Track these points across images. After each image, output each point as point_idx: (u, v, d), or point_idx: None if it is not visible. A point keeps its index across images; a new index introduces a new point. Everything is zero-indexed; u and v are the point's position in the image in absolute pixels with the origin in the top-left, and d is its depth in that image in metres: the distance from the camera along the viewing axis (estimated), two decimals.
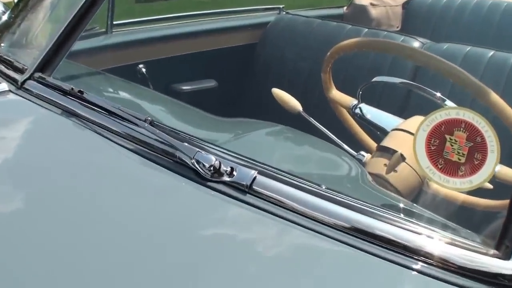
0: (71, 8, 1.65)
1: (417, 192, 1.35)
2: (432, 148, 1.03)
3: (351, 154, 1.44)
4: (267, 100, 2.47)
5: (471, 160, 1.00)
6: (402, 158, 1.31)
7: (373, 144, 1.59)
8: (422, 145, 1.04)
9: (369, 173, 1.29)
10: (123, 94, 1.71)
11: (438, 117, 1.03)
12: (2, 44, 2.02)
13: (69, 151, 1.29)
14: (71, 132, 1.35)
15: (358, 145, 1.61)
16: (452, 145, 1.02)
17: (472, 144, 1.01)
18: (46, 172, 1.21)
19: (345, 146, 1.50)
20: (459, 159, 1.01)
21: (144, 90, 1.74)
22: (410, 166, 1.32)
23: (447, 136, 1.02)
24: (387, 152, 1.37)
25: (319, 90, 2.35)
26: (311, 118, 1.63)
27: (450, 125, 1.02)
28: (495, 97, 1.35)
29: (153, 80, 2.50)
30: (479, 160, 1.00)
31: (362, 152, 1.46)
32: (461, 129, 1.02)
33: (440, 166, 1.02)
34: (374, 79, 1.62)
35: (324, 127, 1.61)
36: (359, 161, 1.42)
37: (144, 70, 2.50)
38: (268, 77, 2.67)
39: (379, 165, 1.36)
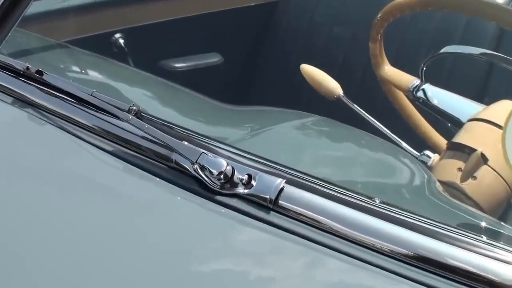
0: None
1: (505, 207, 1.36)
2: None
3: (411, 155, 1.46)
4: (291, 80, 2.48)
5: None
6: (484, 159, 1.34)
7: (442, 141, 1.61)
8: None
9: (438, 181, 1.30)
10: (96, 75, 1.74)
11: None
12: None
13: (25, 155, 1.30)
14: (27, 128, 1.37)
15: (421, 142, 1.63)
16: None
17: None
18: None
19: (403, 144, 1.52)
20: None
21: (124, 69, 1.75)
22: (495, 170, 1.34)
23: None
24: (463, 151, 1.39)
25: (364, 66, 2.37)
26: (355, 105, 1.64)
27: None
28: None
29: (135, 55, 2.54)
30: None
31: (427, 152, 1.48)
32: None
33: None
34: (443, 49, 1.63)
35: (373, 116, 1.63)
36: (424, 163, 1.44)
37: (121, 41, 2.54)
38: (292, 48, 2.69)
39: (451, 169, 1.38)
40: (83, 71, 1.76)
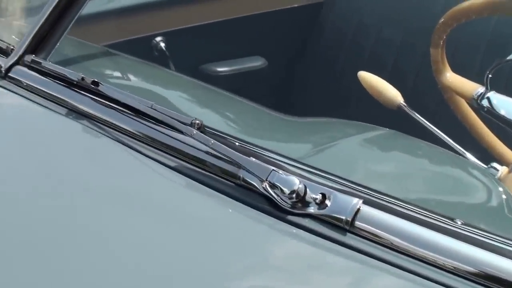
0: None
1: None
2: None
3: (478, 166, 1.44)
4: (338, 83, 2.47)
5: None
6: None
7: (509, 152, 1.59)
8: None
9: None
10: (151, 85, 1.73)
11: None
12: None
13: (80, 168, 1.30)
14: (82, 141, 1.38)
15: (486, 153, 1.61)
16: None
17: None
18: (48, 202, 1.22)
19: (468, 155, 1.49)
20: None
21: (181, 79, 1.76)
22: None
23: None
24: None
25: (416, 70, 2.36)
26: (416, 114, 1.62)
27: None
28: None
29: (176, 59, 2.54)
30: None
31: (495, 164, 1.44)
32: None
33: None
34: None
35: (432, 124, 1.61)
36: (492, 176, 1.41)
37: (163, 44, 2.54)
38: (338, 51, 2.67)
39: None
40: (137, 81, 1.76)
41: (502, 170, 1.42)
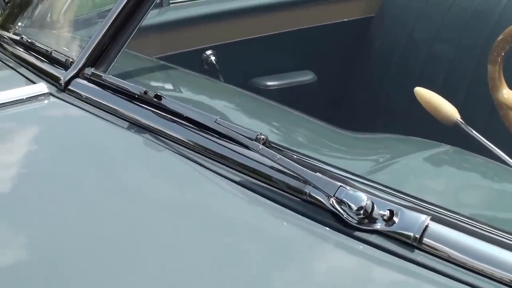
0: None
1: None
2: None
3: None
4: (388, 99, 2.46)
5: None
6: None
7: None
8: None
9: None
10: (213, 97, 1.73)
11: None
12: (25, 29, 2.11)
13: (143, 182, 1.32)
14: (144, 154, 1.39)
15: None
16: None
17: None
18: (109, 214, 1.23)
19: None
20: None
21: (243, 94, 1.77)
22: None
23: None
24: None
25: (466, 87, 2.35)
26: (474, 132, 1.61)
27: None
28: None
29: (226, 72, 2.55)
30: None
31: None
32: None
33: None
34: None
35: (492, 139, 1.59)
36: None
37: (213, 58, 2.56)
38: (388, 66, 2.67)
39: None
40: (196, 94, 1.78)
41: None
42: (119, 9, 1.62)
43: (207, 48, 2.56)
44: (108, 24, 1.62)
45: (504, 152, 1.54)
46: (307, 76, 2.71)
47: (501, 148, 1.57)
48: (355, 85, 2.76)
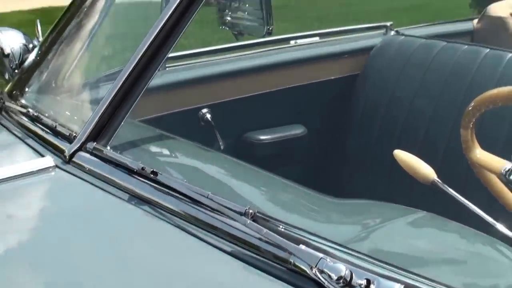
0: (130, 49, 1.74)
1: None
2: None
3: (507, 236, 1.46)
4: (374, 152, 2.50)
5: None
6: None
7: None
8: None
9: None
10: (210, 170, 1.76)
11: None
12: (30, 94, 2.14)
13: (140, 251, 1.33)
14: (142, 225, 1.41)
15: None
16: None
17: None
18: (115, 281, 1.26)
19: (500, 227, 1.51)
20: None
21: (234, 163, 1.79)
22: None
23: None
24: None
25: (446, 141, 2.38)
26: (450, 189, 1.64)
27: None
28: None
29: (221, 129, 2.60)
30: None
31: None
32: None
33: None
34: None
35: (464, 195, 1.60)
36: None
37: (209, 115, 2.60)
38: (373, 121, 2.71)
39: None
40: (191, 164, 1.81)
41: None
42: (118, 87, 1.65)
43: (203, 107, 2.60)
44: (109, 100, 1.64)
45: (479, 205, 1.58)
46: (298, 130, 2.76)
47: (477, 201, 1.60)
48: (343, 138, 2.80)
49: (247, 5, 2.03)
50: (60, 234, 1.44)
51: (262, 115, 2.75)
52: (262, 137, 2.70)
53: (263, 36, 2.35)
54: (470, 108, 1.69)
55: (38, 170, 1.60)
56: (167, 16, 1.68)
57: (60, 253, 1.37)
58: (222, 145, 2.57)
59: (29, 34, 2.43)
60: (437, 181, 1.65)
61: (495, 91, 1.67)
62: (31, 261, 1.36)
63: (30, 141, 1.77)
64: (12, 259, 1.38)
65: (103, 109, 1.64)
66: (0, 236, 1.44)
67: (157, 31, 1.68)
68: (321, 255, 1.14)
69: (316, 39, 3.09)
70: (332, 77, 2.86)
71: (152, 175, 1.43)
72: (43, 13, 10.86)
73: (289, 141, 2.73)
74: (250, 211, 1.24)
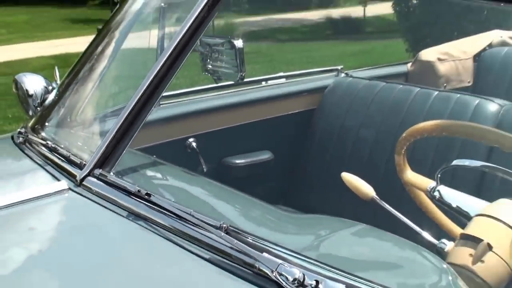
0: (133, 90, 1.73)
1: (508, 284, 1.38)
2: None
3: (431, 243, 1.48)
4: (328, 173, 2.51)
5: None
6: (489, 247, 1.35)
7: (455, 229, 1.62)
8: None
9: (453, 264, 1.33)
10: (194, 190, 1.78)
11: None
12: (49, 128, 2.14)
13: (136, 260, 1.35)
14: (138, 238, 1.42)
15: (440, 231, 1.64)
16: None
17: None
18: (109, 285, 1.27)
19: (425, 235, 1.54)
20: None
21: (212, 185, 1.80)
22: (499, 255, 1.35)
23: None
24: (472, 240, 1.39)
25: (386, 162, 2.41)
26: (386, 205, 1.67)
27: None
28: None
29: (204, 155, 2.62)
30: None
31: (444, 240, 1.48)
32: None
33: None
34: (454, 162, 1.66)
35: (398, 209, 1.65)
36: (442, 249, 1.45)
37: (194, 144, 2.61)
38: (327, 147, 2.73)
39: (464, 255, 1.38)
40: (180, 187, 1.81)
41: (449, 245, 1.45)
42: (120, 122, 1.65)
43: (189, 137, 2.61)
44: (112, 135, 1.65)
45: (409, 217, 1.60)
46: (266, 155, 2.78)
47: (408, 213, 1.62)
48: (303, 162, 2.81)
49: (224, 56, 2.04)
50: (72, 242, 1.45)
51: (238, 143, 2.76)
52: (238, 161, 2.72)
53: (237, 82, 2.36)
54: (402, 138, 1.72)
55: (55, 192, 1.60)
56: (161, 63, 1.69)
57: (72, 257, 1.39)
58: (205, 168, 2.58)
59: (49, 76, 2.44)
60: (376, 198, 1.68)
61: (421, 124, 1.70)
62: (49, 263, 1.38)
63: (48, 167, 1.76)
64: (33, 263, 1.39)
65: (107, 142, 1.64)
66: (24, 244, 1.45)
67: (153, 74, 1.68)
68: (280, 261, 1.17)
69: (283, 80, 3.10)
70: (294, 111, 2.88)
71: (146, 196, 1.44)
72: (61, 59, 10.84)
73: (259, 164, 2.74)
74: (224, 225, 1.27)
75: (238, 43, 2.00)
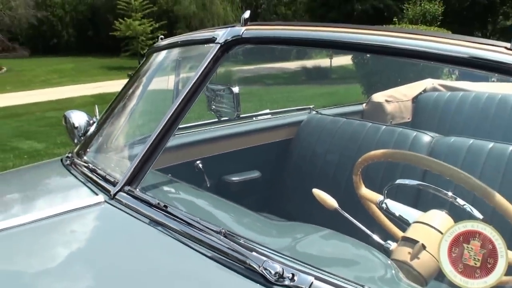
0: (155, 122, 1.74)
1: (437, 274, 1.39)
2: (453, 255, 1.10)
3: (380, 244, 1.49)
4: (303, 188, 2.51)
5: (485, 264, 1.07)
6: (423, 247, 1.36)
7: (398, 232, 1.62)
8: (445, 253, 1.11)
9: (396, 260, 1.34)
10: (200, 202, 1.77)
11: (457, 229, 1.11)
12: (90, 153, 2.14)
13: (154, 257, 1.35)
14: (157, 240, 1.41)
15: (387, 234, 1.65)
16: (469, 252, 1.09)
17: (485, 251, 1.08)
18: (135, 277, 1.26)
19: (375, 237, 1.54)
20: (475, 264, 1.08)
21: (213, 198, 1.80)
22: (430, 253, 1.36)
23: (465, 245, 1.10)
24: (410, 242, 1.40)
25: (347, 180, 2.40)
26: (346, 214, 1.66)
27: (467, 236, 1.10)
28: (499, 198, 1.39)
29: (208, 173, 2.60)
30: (491, 264, 1.07)
31: (389, 241, 1.48)
32: (476, 238, 1.09)
33: (460, 270, 1.09)
34: (398, 181, 1.67)
35: (356, 217, 1.64)
36: (387, 249, 1.45)
37: (200, 165, 2.60)
38: (302, 168, 2.72)
39: (404, 253, 1.39)
40: (192, 201, 1.79)
41: (393, 245, 1.45)
42: (145, 149, 1.65)
43: (197, 160, 2.60)
44: (139, 159, 1.65)
45: (364, 223, 1.60)
46: (255, 174, 2.76)
47: (363, 220, 1.62)
48: (284, 180, 2.80)
49: (224, 99, 2.06)
50: (105, 243, 1.47)
51: (234, 164, 2.74)
52: (234, 179, 2.70)
53: (234, 119, 2.37)
54: (358, 162, 1.73)
55: (94, 204, 1.60)
56: (177, 103, 1.70)
57: (105, 254, 1.39)
58: (208, 184, 2.58)
59: (89, 111, 2.45)
60: (338, 208, 1.67)
61: (372, 152, 1.71)
62: (86, 259, 1.38)
63: (89, 184, 1.76)
64: (73, 259, 1.39)
65: (135, 164, 1.64)
66: (67, 244, 1.45)
67: (171, 112, 1.69)
68: (265, 258, 1.19)
69: (268, 116, 3.11)
70: (277, 140, 2.88)
71: (164, 207, 1.45)
72: (99, 97, 10.87)
73: (250, 181, 2.73)
74: (223, 230, 1.28)
75: (235, 89, 2.01)
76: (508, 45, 1.29)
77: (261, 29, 1.79)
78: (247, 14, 1.82)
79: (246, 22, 1.80)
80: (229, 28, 1.81)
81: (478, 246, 1.09)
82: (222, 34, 1.79)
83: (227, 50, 1.78)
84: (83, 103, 10.14)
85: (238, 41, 1.76)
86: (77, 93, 12.27)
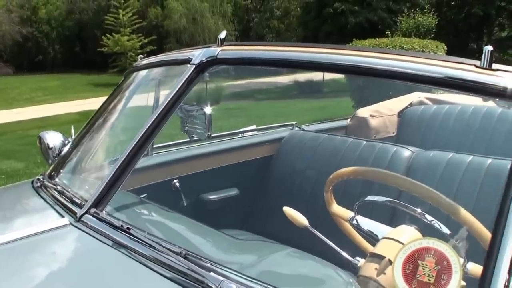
0: (122, 146, 1.77)
1: None
2: (407, 271, 1.14)
3: (348, 260, 1.51)
4: (281, 205, 2.53)
5: (439, 280, 1.11)
6: (390, 262, 1.36)
7: (369, 247, 1.65)
8: (399, 269, 1.15)
9: (363, 276, 1.37)
10: (167, 223, 1.80)
11: (412, 246, 1.15)
12: (62, 175, 2.16)
13: (114, 278, 1.39)
14: (118, 261, 1.44)
15: (356, 249, 1.67)
16: (423, 269, 1.13)
17: (439, 267, 1.12)
18: None
19: (344, 254, 1.56)
20: (429, 280, 1.12)
21: (181, 218, 1.82)
22: None
23: (420, 262, 1.14)
24: (378, 257, 1.42)
25: (324, 197, 2.42)
26: (316, 231, 1.68)
27: (422, 253, 1.14)
28: (466, 214, 1.43)
29: (185, 192, 2.64)
30: (445, 280, 1.11)
31: (357, 258, 1.51)
32: (431, 255, 1.13)
33: (413, 286, 1.13)
34: (367, 198, 1.69)
35: (330, 232, 1.67)
36: (355, 265, 1.49)
37: (178, 184, 2.64)
38: (282, 185, 2.75)
39: (371, 269, 1.41)
40: (156, 221, 1.81)
41: (361, 261, 1.48)
42: (112, 172, 1.68)
43: (174, 178, 2.64)
44: (106, 182, 1.67)
45: (333, 240, 1.62)
46: (233, 192, 2.80)
47: (333, 237, 1.64)
48: (261, 197, 2.83)
49: (197, 119, 2.09)
50: (69, 265, 1.50)
51: (212, 183, 2.77)
52: (211, 197, 2.74)
53: (205, 140, 2.41)
54: (328, 180, 1.77)
55: (59, 226, 1.63)
56: (148, 125, 1.73)
57: (68, 274, 1.43)
58: (185, 203, 2.61)
59: (76, 128, 2.46)
60: (308, 226, 1.70)
61: (342, 170, 1.75)
62: (51, 280, 1.41)
63: (56, 207, 1.78)
64: (34, 285, 1.41)
65: (102, 186, 1.67)
66: (29, 268, 1.47)
67: (141, 133, 1.72)
68: (222, 278, 1.23)
69: (255, 132, 3.15)
70: (257, 157, 2.91)
71: (126, 229, 1.48)
72: (85, 114, 10.90)
73: (228, 199, 2.76)
74: (183, 251, 1.31)
75: (208, 110, 2.04)
76: (478, 63, 1.33)
77: (236, 50, 1.83)
78: (223, 34, 1.86)
79: (222, 42, 1.84)
80: (205, 49, 1.85)
81: (432, 263, 1.13)
82: (197, 55, 1.83)
83: (202, 71, 1.82)
84: (68, 121, 10.18)
85: (213, 61, 1.80)
86: (62, 110, 12.31)
